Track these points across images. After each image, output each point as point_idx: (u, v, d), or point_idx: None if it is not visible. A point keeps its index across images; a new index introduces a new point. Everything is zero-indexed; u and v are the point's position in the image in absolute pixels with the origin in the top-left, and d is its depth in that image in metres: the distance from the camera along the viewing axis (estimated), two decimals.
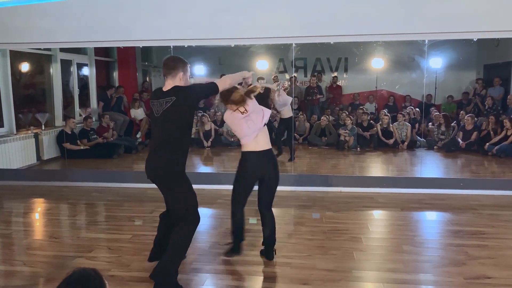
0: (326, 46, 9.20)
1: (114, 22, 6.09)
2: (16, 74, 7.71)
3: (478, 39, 6.32)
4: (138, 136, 9.28)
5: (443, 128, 9.08)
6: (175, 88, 3.01)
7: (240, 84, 3.40)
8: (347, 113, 9.65)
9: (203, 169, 7.98)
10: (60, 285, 1.63)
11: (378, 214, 5.04)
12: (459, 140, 8.70)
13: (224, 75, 3.43)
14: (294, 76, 10.73)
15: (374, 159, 8.40)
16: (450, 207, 5.11)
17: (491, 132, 8.48)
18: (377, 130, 9.22)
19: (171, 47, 6.47)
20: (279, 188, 3.54)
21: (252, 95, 3.36)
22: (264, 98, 4.20)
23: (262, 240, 3.62)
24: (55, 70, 8.32)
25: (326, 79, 11.33)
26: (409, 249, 3.82)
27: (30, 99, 8.35)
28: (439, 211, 5.05)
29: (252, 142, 3.37)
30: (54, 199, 5.70)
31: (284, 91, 7.51)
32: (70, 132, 7.91)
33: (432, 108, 9.96)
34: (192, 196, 3.13)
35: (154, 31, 6.08)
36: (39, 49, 7.76)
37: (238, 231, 3.56)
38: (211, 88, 3.13)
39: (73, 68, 8.79)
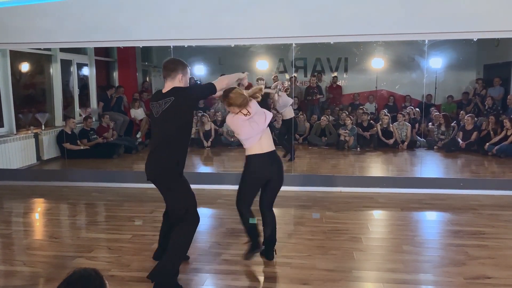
0: (326, 46, 9.18)
1: (114, 22, 6.09)
2: (16, 74, 7.71)
3: (478, 39, 6.32)
4: (138, 136, 9.28)
5: (443, 128, 9.08)
6: (174, 89, 3.04)
7: (238, 85, 3.44)
8: (347, 113, 9.64)
9: (203, 169, 7.98)
10: (60, 285, 1.63)
11: (378, 214, 5.04)
12: (459, 140, 8.69)
13: (223, 75, 3.45)
14: (294, 76, 10.71)
15: (374, 159, 8.39)
16: (450, 207, 5.11)
17: (491, 132, 8.48)
18: (377, 130, 9.21)
19: (171, 47, 6.48)
20: None
21: (256, 95, 3.38)
22: (264, 100, 4.20)
23: (262, 240, 3.62)
24: (55, 70, 8.32)
25: (326, 79, 11.32)
26: (409, 249, 3.83)
27: (30, 99, 8.35)
28: (439, 211, 5.05)
29: (256, 145, 3.36)
30: (54, 199, 5.70)
31: (286, 91, 7.49)
32: (70, 132, 7.91)
33: (432, 108, 9.95)
34: (192, 196, 3.15)
35: (154, 31, 6.09)
36: (39, 49, 7.75)
37: (251, 229, 3.52)
38: (209, 89, 3.19)
39: (73, 68, 8.78)
